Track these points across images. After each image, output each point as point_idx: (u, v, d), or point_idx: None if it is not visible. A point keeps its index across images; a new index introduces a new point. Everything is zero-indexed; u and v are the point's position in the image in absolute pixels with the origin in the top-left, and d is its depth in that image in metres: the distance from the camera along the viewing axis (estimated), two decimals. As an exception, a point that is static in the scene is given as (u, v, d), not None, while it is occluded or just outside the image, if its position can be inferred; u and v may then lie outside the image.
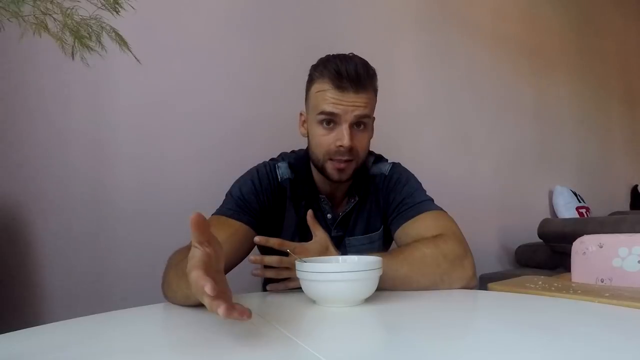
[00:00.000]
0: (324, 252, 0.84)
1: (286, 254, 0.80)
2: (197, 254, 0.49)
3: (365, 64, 0.89)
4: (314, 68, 0.92)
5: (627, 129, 3.28)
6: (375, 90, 0.93)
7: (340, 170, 0.91)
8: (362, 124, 0.91)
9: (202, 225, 0.49)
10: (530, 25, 2.60)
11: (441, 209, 0.94)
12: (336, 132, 0.89)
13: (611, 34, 3.25)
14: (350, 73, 0.85)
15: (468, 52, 2.24)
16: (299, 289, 0.72)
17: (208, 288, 0.43)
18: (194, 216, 0.47)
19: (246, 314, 0.44)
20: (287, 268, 0.80)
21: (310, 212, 0.89)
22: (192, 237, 0.49)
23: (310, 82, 0.93)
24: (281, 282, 0.82)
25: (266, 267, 0.82)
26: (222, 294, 0.45)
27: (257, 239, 0.82)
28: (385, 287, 0.75)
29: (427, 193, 0.98)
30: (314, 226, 0.88)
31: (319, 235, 0.86)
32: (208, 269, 0.48)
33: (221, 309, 0.43)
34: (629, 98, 3.31)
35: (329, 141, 0.90)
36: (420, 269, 0.79)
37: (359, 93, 0.87)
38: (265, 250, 0.86)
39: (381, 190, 1.00)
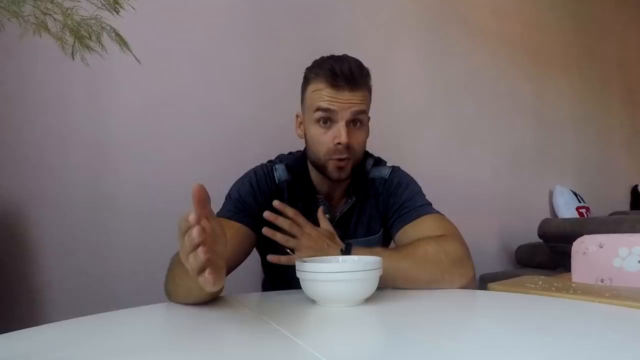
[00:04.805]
0: (331, 238, 0.85)
1: (287, 254, 0.80)
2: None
3: (359, 63, 0.91)
4: (309, 69, 0.94)
5: (627, 129, 3.27)
6: (369, 90, 0.94)
7: (339, 169, 0.92)
8: (359, 121, 0.92)
9: (203, 197, 0.49)
10: (530, 25, 2.60)
11: (440, 214, 0.94)
12: (333, 130, 0.90)
13: (612, 34, 3.25)
14: (344, 72, 0.87)
15: (468, 52, 2.24)
16: (298, 288, 0.72)
17: (192, 217, 0.44)
18: (196, 186, 0.47)
19: (216, 281, 0.45)
20: (294, 237, 0.81)
21: (321, 208, 0.92)
22: (193, 206, 0.48)
23: (306, 83, 0.94)
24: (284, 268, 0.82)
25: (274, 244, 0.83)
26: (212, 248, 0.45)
27: (265, 230, 0.82)
28: (386, 283, 0.75)
29: (426, 197, 0.99)
30: (322, 219, 0.90)
31: (326, 226, 0.89)
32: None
33: (201, 250, 0.43)
34: (629, 98, 3.31)
35: (327, 140, 0.90)
36: (421, 264, 0.80)
37: (354, 91, 0.88)
38: (265, 250, 0.87)
39: (381, 194, 1.01)
